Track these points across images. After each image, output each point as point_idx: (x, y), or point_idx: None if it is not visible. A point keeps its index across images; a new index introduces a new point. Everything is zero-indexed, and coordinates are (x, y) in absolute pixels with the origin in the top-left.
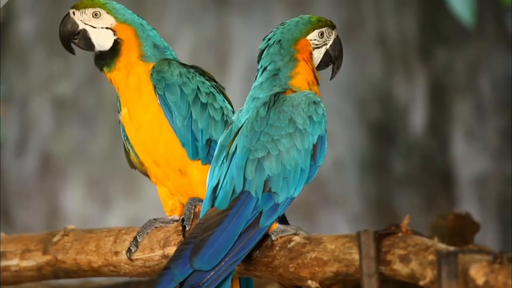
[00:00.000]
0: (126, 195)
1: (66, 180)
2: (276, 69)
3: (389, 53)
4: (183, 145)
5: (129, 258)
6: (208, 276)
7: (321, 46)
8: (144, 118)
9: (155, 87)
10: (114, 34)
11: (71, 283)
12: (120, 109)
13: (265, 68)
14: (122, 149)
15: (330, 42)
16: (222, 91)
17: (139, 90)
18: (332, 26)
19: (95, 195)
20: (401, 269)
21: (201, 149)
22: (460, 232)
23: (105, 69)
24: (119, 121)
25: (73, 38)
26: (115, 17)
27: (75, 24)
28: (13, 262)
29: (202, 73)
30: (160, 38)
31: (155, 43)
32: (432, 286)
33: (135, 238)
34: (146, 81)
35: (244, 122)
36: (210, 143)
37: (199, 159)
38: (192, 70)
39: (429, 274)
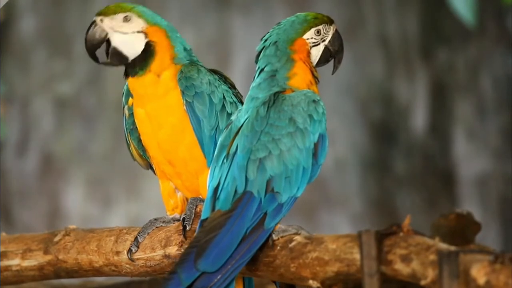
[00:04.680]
0: (127, 195)
1: (67, 179)
2: (273, 70)
3: (390, 52)
4: (204, 153)
5: (130, 259)
6: (215, 280)
7: (319, 43)
8: (167, 120)
9: (183, 93)
10: (146, 37)
11: (72, 283)
12: (126, 103)
13: (262, 69)
14: (123, 149)
15: (329, 38)
16: (240, 99)
17: (165, 93)
18: (330, 22)
19: (96, 194)
20: (402, 269)
21: None
22: (462, 232)
23: (139, 73)
24: (123, 113)
25: (105, 50)
26: (146, 20)
27: (103, 32)
28: (14, 262)
29: (225, 80)
30: (185, 41)
31: (184, 45)
32: (434, 286)
33: (136, 238)
34: (174, 85)
35: (244, 122)
36: None
37: None
38: (217, 77)
39: (431, 274)
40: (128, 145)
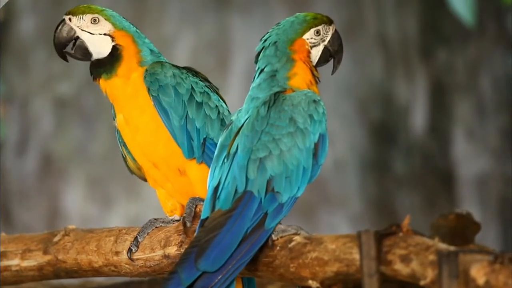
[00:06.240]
0: (126, 195)
1: (66, 180)
2: (273, 70)
3: (390, 53)
4: (179, 144)
5: (130, 258)
6: (216, 280)
7: (319, 44)
8: (141, 120)
9: (149, 89)
10: (113, 40)
11: (72, 283)
12: (115, 116)
13: (262, 70)
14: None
15: (328, 38)
16: (216, 91)
17: (135, 94)
18: (329, 22)
19: (95, 195)
20: (401, 269)
21: (197, 148)
22: (461, 232)
23: (104, 76)
24: (115, 127)
25: (72, 45)
26: (113, 24)
27: (71, 30)
28: (14, 262)
29: (195, 74)
30: (154, 46)
31: (151, 49)
32: (433, 286)
33: (135, 238)
34: (141, 84)
35: (244, 122)
36: (205, 141)
37: (194, 158)
38: (184, 71)
39: (430, 274)
40: (124, 159)
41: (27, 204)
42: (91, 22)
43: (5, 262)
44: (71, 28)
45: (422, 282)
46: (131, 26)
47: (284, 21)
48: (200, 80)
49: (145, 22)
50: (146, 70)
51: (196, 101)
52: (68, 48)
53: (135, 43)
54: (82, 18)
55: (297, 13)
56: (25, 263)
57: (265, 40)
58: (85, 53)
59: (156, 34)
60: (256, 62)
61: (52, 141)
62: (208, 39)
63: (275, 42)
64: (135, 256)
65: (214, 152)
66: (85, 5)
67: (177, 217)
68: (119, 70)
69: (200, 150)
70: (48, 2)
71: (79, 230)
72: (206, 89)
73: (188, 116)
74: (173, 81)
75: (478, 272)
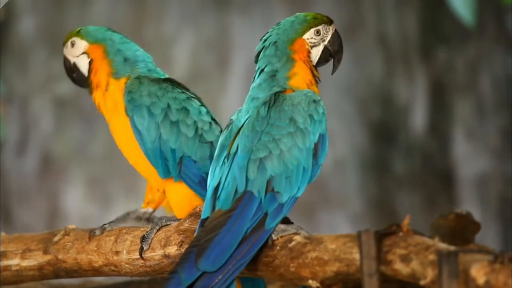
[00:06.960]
0: (126, 195)
1: (66, 179)
2: (274, 70)
3: (390, 52)
4: (153, 165)
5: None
6: (216, 280)
7: (319, 44)
8: (123, 137)
9: (126, 108)
10: (88, 56)
11: (72, 283)
12: None
13: (262, 70)
14: None
15: (328, 38)
16: (198, 97)
17: (116, 109)
18: (329, 22)
19: (95, 194)
20: (401, 268)
21: (173, 168)
22: (461, 231)
23: (88, 90)
24: None
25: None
26: (87, 40)
27: (67, 60)
28: (14, 262)
29: (177, 85)
30: (135, 52)
31: (125, 57)
32: (433, 285)
33: (143, 236)
34: (121, 101)
35: (244, 122)
36: (181, 160)
37: (171, 178)
38: (164, 85)
39: (430, 273)
40: None
41: (27, 204)
42: (71, 47)
43: (5, 262)
44: (67, 58)
45: (422, 282)
46: (107, 35)
47: (284, 21)
48: (182, 92)
49: (145, 22)
50: (126, 87)
51: (171, 120)
52: None
53: (106, 52)
54: (67, 46)
55: (297, 13)
56: (25, 263)
57: (265, 40)
58: (81, 75)
59: (156, 34)
60: (256, 62)
61: (52, 141)
62: (208, 39)
63: (275, 42)
64: (135, 256)
65: (192, 170)
66: (68, 33)
67: (150, 209)
68: (92, 83)
69: (176, 169)
70: (48, 2)
71: (79, 230)
72: (185, 104)
73: (162, 137)
74: (147, 101)
75: (478, 272)
